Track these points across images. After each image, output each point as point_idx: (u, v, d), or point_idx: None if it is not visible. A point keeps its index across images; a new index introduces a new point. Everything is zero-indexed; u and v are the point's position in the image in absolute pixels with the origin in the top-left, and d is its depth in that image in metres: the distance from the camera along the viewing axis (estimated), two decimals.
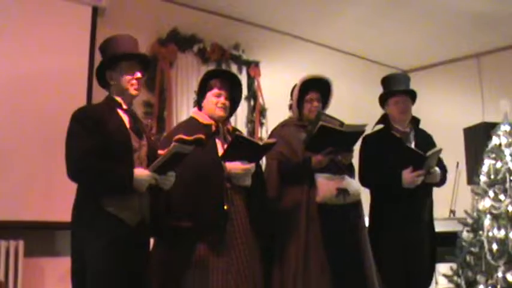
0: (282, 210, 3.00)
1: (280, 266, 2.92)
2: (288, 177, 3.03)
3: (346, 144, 3.01)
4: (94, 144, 2.30)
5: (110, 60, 2.51)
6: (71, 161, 2.31)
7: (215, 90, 2.81)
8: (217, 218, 2.63)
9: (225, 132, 2.86)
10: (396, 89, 3.41)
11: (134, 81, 2.51)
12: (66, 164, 2.31)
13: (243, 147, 2.68)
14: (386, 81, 3.50)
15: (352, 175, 3.17)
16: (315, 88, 3.18)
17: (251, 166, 2.73)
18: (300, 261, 2.87)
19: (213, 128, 2.80)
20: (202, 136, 2.57)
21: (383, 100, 3.50)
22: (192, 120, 2.88)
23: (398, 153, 3.18)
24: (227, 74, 2.98)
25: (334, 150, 2.96)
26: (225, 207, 2.66)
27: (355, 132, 2.94)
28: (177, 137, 2.51)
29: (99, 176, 2.30)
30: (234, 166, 2.68)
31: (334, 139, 2.89)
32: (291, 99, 3.27)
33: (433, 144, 3.40)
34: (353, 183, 3.08)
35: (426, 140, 3.40)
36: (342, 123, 2.91)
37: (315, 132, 2.86)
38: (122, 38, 2.55)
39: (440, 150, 3.24)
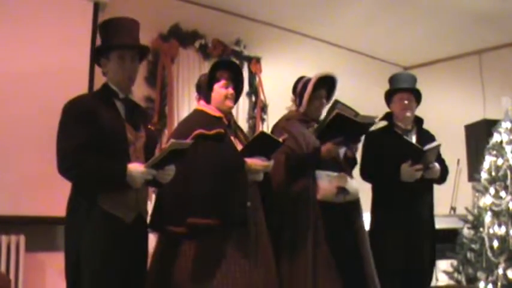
0: (289, 206, 2.98)
1: (290, 262, 2.90)
2: (296, 168, 3.00)
3: (355, 135, 3.00)
4: (86, 138, 2.19)
5: (101, 49, 2.43)
6: (61, 157, 2.21)
7: (223, 82, 2.76)
8: (244, 215, 2.57)
9: (235, 124, 2.84)
10: (401, 86, 3.42)
11: (127, 68, 2.38)
12: (56, 160, 2.22)
13: (262, 143, 2.66)
14: (392, 80, 3.51)
15: (351, 172, 3.17)
16: (322, 85, 3.16)
17: (270, 163, 2.71)
18: (309, 257, 2.86)
19: (225, 120, 2.75)
20: (222, 130, 2.55)
21: (388, 97, 3.51)
22: (201, 113, 2.78)
23: (398, 148, 3.19)
24: (231, 65, 2.92)
25: (344, 139, 2.94)
26: (248, 203, 2.61)
27: (366, 123, 2.94)
28: (197, 131, 2.49)
29: (90, 173, 2.20)
30: (254, 162, 2.63)
31: (346, 128, 2.87)
32: (294, 93, 3.24)
33: None
34: (352, 182, 3.08)
35: (429, 140, 3.38)
36: (356, 113, 2.90)
37: (330, 120, 2.83)
38: (118, 23, 2.43)
39: (439, 146, 3.23)
